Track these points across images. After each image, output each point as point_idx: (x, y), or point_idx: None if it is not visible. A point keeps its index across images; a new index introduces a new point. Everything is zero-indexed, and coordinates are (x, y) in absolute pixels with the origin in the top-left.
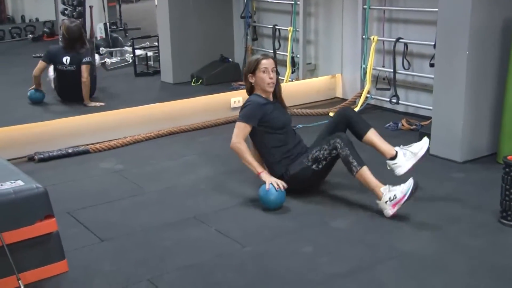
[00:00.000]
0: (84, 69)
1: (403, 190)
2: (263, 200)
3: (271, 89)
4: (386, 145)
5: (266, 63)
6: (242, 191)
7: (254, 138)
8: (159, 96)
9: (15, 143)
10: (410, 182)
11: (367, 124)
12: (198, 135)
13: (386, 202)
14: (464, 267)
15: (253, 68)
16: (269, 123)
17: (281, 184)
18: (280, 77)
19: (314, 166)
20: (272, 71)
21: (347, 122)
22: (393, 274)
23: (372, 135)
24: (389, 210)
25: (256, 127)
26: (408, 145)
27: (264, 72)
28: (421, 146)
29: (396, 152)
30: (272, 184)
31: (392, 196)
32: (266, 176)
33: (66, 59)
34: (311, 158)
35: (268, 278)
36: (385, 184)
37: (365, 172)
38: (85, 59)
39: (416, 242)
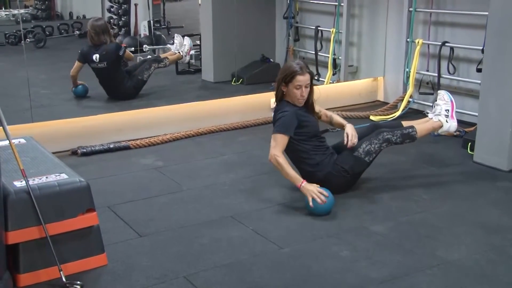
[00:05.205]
0: (128, 56)
1: (445, 100)
2: (310, 208)
3: (301, 105)
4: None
5: (302, 80)
6: (280, 193)
7: (290, 147)
8: (199, 94)
9: (60, 137)
10: (440, 93)
11: (397, 122)
12: (237, 135)
13: (446, 121)
14: (509, 278)
15: (288, 80)
16: (306, 129)
17: (322, 195)
18: (321, 79)
19: (366, 158)
20: (306, 87)
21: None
22: (434, 283)
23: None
24: (454, 123)
25: (293, 136)
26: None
27: (297, 88)
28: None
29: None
30: (314, 198)
31: (445, 113)
32: (307, 188)
33: (95, 57)
34: (363, 151)
35: (305, 280)
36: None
37: (419, 128)
38: (121, 51)
39: (458, 250)
